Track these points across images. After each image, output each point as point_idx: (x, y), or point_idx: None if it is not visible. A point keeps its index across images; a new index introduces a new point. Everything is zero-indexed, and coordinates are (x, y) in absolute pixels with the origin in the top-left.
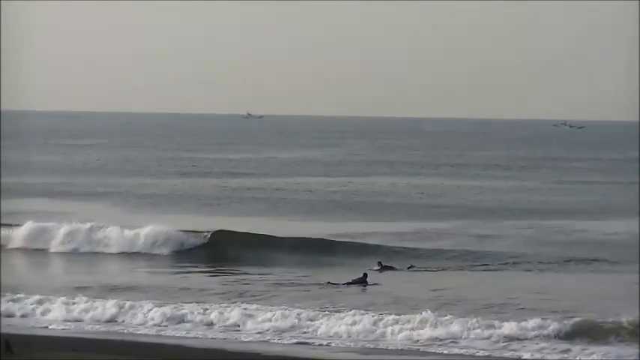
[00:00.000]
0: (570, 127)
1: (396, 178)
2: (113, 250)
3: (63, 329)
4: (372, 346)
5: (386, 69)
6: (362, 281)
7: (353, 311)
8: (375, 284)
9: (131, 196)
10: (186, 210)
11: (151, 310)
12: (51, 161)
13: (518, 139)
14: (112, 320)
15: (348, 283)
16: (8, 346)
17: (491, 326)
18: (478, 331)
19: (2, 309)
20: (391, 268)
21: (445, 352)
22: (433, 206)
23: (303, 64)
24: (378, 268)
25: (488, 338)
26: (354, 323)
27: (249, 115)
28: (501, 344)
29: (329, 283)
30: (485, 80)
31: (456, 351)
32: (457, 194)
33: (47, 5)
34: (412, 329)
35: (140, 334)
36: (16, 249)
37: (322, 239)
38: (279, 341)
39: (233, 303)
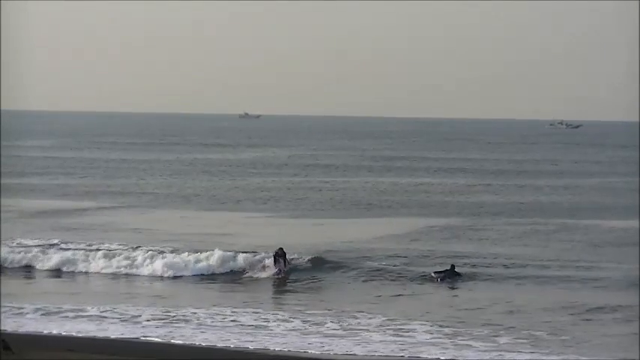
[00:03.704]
0: (567, 126)
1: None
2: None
3: (60, 329)
4: None
5: (385, 69)
6: (454, 273)
7: None
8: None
9: None
10: None
11: None
12: None
13: (514, 139)
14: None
15: (443, 275)
16: (6, 345)
17: None
18: None
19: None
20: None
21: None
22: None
23: (304, 63)
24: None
25: None
26: None
27: (246, 114)
28: None
29: (432, 276)
30: (485, 80)
31: None
32: (452, 194)
33: (47, 5)
34: None
35: (137, 335)
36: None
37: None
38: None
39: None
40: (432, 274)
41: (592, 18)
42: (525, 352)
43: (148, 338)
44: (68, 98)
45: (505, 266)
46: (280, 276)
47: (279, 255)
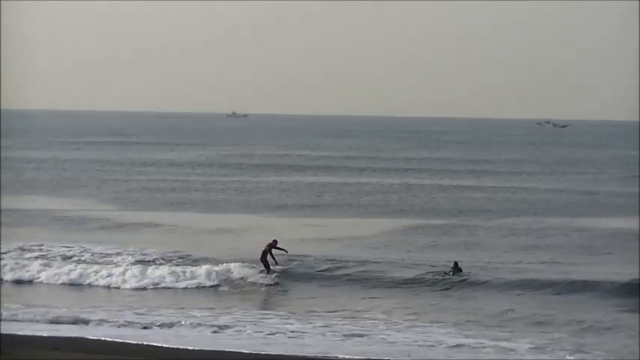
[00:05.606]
0: (554, 125)
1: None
2: None
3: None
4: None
5: (383, 69)
6: (458, 269)
7: None
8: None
9: None
10: None
11: None
12: None
13: (507, 138)
14: None
15: (450, 271)
16: None
17: None
18: None
19: None
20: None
21: None
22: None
23: (303, 63)
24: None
25: None
26: None
27: (234, 113)
28: None
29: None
30: (484, 80)
31: None
32: (445, 194)
33: (47, 6)
34: None
35: (130, 335)
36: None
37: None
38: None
39: None
40: (445, 272)
41: (592, 18)
42: (548, 355)
43: (138, 339)
44: (67, 98)
45: (501, 267)
46: (267, 282)
47: (270, 248)
